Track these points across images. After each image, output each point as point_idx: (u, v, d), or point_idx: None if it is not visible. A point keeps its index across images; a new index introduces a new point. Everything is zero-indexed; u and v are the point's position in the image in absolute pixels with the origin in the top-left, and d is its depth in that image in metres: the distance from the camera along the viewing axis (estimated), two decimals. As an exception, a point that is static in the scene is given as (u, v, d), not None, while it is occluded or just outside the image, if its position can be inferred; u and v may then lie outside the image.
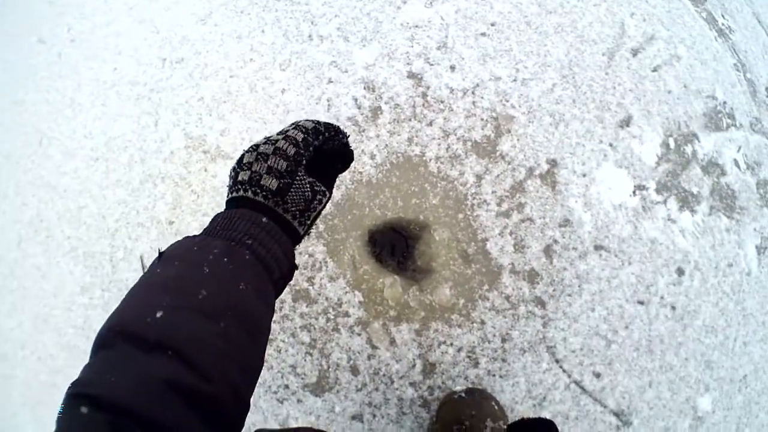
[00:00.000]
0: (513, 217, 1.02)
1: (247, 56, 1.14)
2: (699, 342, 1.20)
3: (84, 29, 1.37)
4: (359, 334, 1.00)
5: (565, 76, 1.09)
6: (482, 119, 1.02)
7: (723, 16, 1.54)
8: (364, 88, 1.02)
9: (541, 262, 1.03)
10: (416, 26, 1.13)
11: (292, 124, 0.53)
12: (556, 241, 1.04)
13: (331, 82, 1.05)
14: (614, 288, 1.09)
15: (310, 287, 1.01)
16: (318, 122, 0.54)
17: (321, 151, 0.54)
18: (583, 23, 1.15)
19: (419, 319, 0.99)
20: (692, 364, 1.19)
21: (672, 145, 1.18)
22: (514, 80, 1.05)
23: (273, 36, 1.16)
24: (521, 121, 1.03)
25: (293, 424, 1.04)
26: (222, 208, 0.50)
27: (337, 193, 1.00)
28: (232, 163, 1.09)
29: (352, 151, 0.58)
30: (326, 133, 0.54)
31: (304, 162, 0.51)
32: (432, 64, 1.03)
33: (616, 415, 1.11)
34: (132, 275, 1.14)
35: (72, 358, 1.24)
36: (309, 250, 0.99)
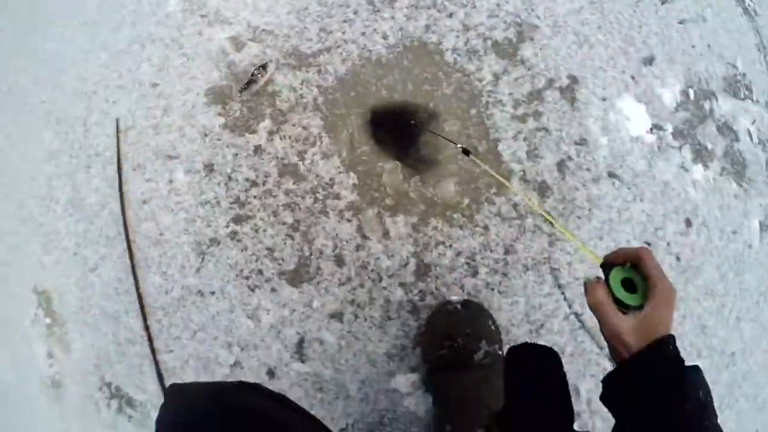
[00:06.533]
0: (529, 123, 0.88)
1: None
2: (698, 303, 1.05)
3: None
4: (349, 221, 0.82)
5: (593, 3, 0.96)
6: (505, 22, 0.88)
7: (750, -2, 1.42)
8: None
9: (553, 176, 0.89)
10: None
11: None
12: (570, 158, 0.91)
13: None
14: (624, 221, 0.95)
15: (300, 162, 0.83)
16: None
17: None
18: (618, -42, 1.06)
19: (418, 213, 0.83)
20: (688, 325, 1.04)
21: (692, 96, 1.07)
22: None
23: None
24: (545, 33, 0.90)
25: (263, 317, 0.85)
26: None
27: (341, 68, 0.84)
28: (230, 29, 0.91)
29: None
30: None
31: None
32: None
33: (610, 359, 0.96)
34: (104, 140, 0.95)
35: (30, 233, 1.05)
36: (303, 123, 0.82)
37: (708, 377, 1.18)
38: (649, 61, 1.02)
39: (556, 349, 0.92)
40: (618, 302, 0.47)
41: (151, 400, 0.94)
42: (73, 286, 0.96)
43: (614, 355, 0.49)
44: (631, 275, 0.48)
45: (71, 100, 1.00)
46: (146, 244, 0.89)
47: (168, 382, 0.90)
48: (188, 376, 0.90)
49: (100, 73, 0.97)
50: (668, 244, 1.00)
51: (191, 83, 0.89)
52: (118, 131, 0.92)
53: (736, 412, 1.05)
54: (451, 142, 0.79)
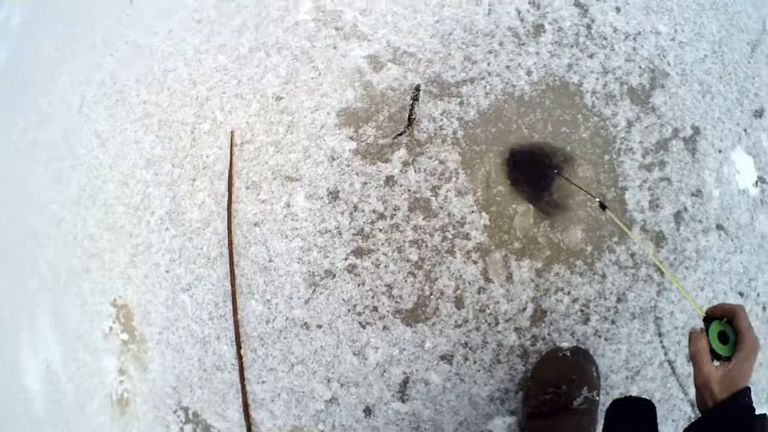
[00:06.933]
0: (654, 172, 0.85)
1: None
2: None
3: None
4: (475, 262, 0.79)
5: (715, 52, 0.94)
6: (640, 67, 0.85)
7: None
8: (529, 3, 0.84)
9: (669, 227, 0.87)
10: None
11: None
12: (686, 209, 0.89)
13: (496, -13, 0.86)
14: (724, 272, 0.95)
15: (433, 198, 0.78)
16: None
17: None
18: (734, 9, 1.01)
19: (543, 258, 0.79)
20: (763, 372, 1.06)
21: (791, 149, 1.09)
22: (672, 39, 0.90)
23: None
24: (675, 81, 0.88)
25: (371, 354, 0.81)
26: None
27: (484, 101, 0.79)
28: (368, 46, 0.85)
29: None
30: None
31: None
32: (599, 0, 0.89)
33: (692, 405, 0.97)
34: (214, 152, 0.88)
35: (114, 241, 0.97)
36: (441, 156, 0.78)
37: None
38: (760, 113, 1.01)
39: (645, 396, 0.93)
40: (712, 352, 0.52)
41: (231, 429, 0.89)
42: (161, 305, 0.90)
43: (699, 402, 0.53)
44: (726, 329, 0.53)
45: (179, 103, 0.92)
46: (252, 269, 0.83)
47: (255, 413, 0.86)
48: (278, 409, 0.85)
49: (216, 77, 0.89)
50: (758, 294, 1.01)
51: (322, 101, 0.82)
52: (232, 144, 0.85)
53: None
54: (590, 195, 0.77)
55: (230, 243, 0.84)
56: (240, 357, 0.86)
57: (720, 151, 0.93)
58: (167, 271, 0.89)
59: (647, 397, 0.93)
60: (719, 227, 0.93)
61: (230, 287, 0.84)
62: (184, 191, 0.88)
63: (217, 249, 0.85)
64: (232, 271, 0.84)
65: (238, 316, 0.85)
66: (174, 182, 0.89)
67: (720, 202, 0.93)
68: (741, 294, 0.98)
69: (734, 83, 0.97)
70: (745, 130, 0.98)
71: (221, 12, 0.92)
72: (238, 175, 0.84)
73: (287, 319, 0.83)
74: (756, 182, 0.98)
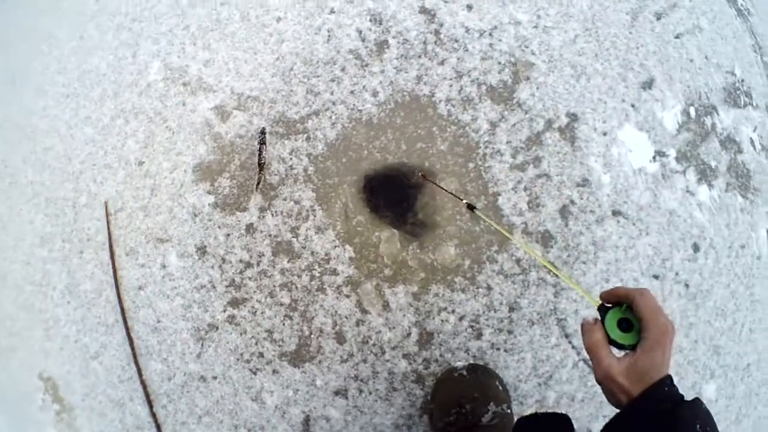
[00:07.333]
0: (528, 171, 0.81)
1: (240, -20, 0.90)
2: (709, 325, 1.01)
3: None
4: (348, 296, 0.77)
5: (588, 29, 0.89)
6: (499, 63, 0.81)
7: (742, -3, 1.36)
8: (370, 21, 0.81)
9: (556, 224, 0.83)
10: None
11: None
12: (573, 202, 0.84)
13: (334, 12, 0.82)
14: (630, 259, 0.89)
15: (294, 239, 0.77)
16: None
17: None
18: (607, -21, 0.98)
19: (418, 281, 0.77)
20: (701, 349, 1.00)
21: (693, 114, 1.00)
22: (535, 27, 0.85)
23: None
24: (541, 70, 0.83)
25: (267, 398, 0.81)
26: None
27: (331, 132, 0.77)
28: (214, 97, 0.85)
29: None
30: None
31: None
32: (447, 1, 0.82)
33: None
34: (95, 224, 0.89)
35: (30, 319, 1.01)
36: (295, 196, 0.76)
37: (723, 394, 1.12)
38: (649, 84, 0.94)
39: (565, 398, 0.89)
40: (615, 343, 0.47)
41: (165, 482, 0.92)
42: (78, 374, 0.92)
43: (609, 397, 0.48)
44: (628, 315, 0.47)
45: (58, 180, 0.94)
46: (145, 331, 0.84)
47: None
48: (199, 459, 0.87)
49: (86, 150, 0.90)
50: (676, 273, 0.95)
51: (178, 159, 0.82)
52: (107, 214, 0.86)
53: (754, 419, 1.02)
54: (457, 197, 0.73)
55: (122, 309, 0.85)
56: (153, 415, 0.87)
57: (605, 134, 0.87)
58: (76, 342, 0.91)
59: (567, 400, 0.90)
60: (616, 213, 0.87)
61: (130, 350, 0.86)
62: (76, 264, 0.89)
63: (113, 316, 0.86)
64: (128, 335, 0.86)
65: (144, 377, 0.86)
66: (66, 257, 0.90)
67: (613, 187, 0.87)
68: (656, 277, 0.92)
69: (614, 58, 0.90)
70: (633, 106, 0.91)
71: (83, 83, 0.92)
72: (117, 243, 0.85)
73: (185, 374, 0.83)
74: (654, 157, 0.91)
